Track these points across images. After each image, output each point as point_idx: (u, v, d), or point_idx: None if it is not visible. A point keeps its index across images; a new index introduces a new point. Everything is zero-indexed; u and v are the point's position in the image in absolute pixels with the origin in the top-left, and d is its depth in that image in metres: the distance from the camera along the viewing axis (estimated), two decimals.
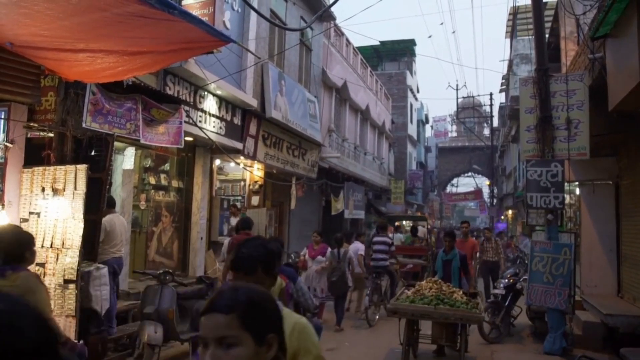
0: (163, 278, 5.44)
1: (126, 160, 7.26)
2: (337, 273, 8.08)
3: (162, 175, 8.58)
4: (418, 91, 33.34)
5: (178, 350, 5.95)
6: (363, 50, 23.85)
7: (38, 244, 5.11)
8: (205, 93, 8.43)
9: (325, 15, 13.13)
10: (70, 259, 4.62)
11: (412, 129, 30.38)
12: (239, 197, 10.94)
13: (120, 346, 5.84)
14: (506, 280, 7.96)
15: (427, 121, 39.17)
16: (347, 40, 17.47)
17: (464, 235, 9.73)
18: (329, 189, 15.41)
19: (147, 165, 8.32)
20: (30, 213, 5.25)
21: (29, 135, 5.56)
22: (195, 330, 5.27)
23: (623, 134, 7.07)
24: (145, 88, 6.44)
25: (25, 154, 5.46)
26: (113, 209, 6.13)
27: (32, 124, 5.41)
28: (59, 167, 5.15)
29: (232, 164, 10.06)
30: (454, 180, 47.51)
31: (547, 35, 9.63)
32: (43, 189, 5.18)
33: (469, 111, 39.86)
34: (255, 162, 10.45)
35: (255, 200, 10.90)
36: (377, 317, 8.57)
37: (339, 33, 16.62)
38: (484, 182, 42.56)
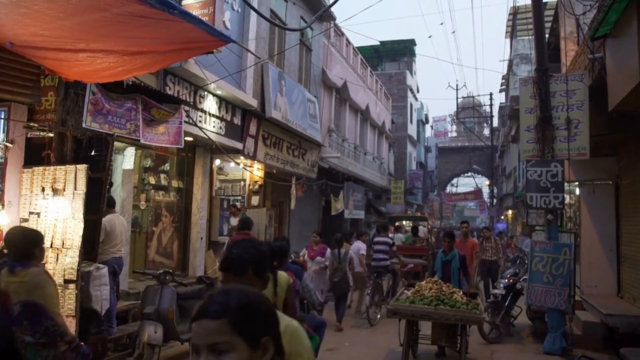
0: (163, 278, 5.44)
1: (126, 160, 7.26)
2: (339, 273, 8.14)
3: (162, 175, 8.58)
4: (418, 91, 33.34)
5: (178, 350, 5.95)
6: (363, 50, 23.86)
7: None
8: (205, 93, 8.43)
9: (325, 15, 13.13)
10: (70, 259, 4.62)
11: (412, 129, 30.38)
12: (239, 197, 10.94)
13: (120, 346, 5.84)
14: (506, 280, 7.96)
15: (427, 121, 39.18)
16: (347, 40, 17.47)
17: (464, 236, 9.72)
18: (328, 189, 15.41)
19: (147, 165, 8.32)
20: (30, 213, 5.25)
21: (29, 135, 5.56)
22: None
23: (623, 134, 7.08)
24: (145, 88, 6.44)
25: (25, 154, 5.46)
26: (113, 209, 6.13)
27: (32, 124, 5.41)
28: (59, 167, 5.15)
29: (232, 164, 10.06)
30: (454, 180, 47.54)
31: (547, 36, 9.64)
32: (43, 189, 5.18)
33: (469, 111, 39.86)
34: (255, 162, 10.45)
35: (255, 200, 10.90)
36: (379, 316, 8.58)
37: (339, 33, 16.62)
38: (483, 182, 42.59)
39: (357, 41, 21.91)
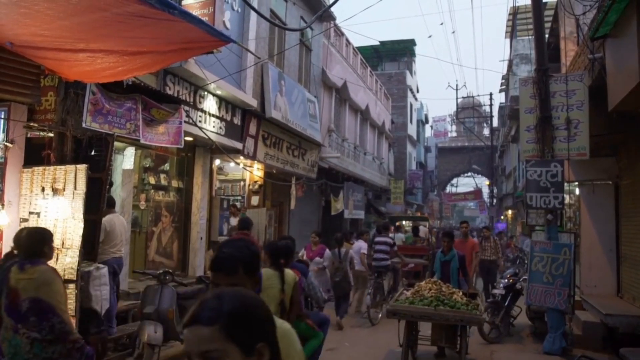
0: (163, 278, 5.44)
1: (126, 160, 7.26)
2: (340, 273, 8.23)
3: (162, 175, 8.58)
4: (418, 91, 33.34)
5: (178, 350, 5.95)
6: (363, 50, 23.86)
7: None
8: (205, 93, 8.43)
9: (325, 15, 13.13)
10: (70, 258, 4.62)
11: (411, 129, 30.38)
12: (239, 197, 10.94)
13: (120, 346, 5.84)
14: (506, 280, 7.96)
15: (426, 121, 39.19)
16: (347, 40, 17.47)
17: (464, 236, 9.71)
18: (328, 189, 15.41)
19: (147, 165, 8.32)
20: (30, 213, 5.26)
21: (28, 135, 5.56)
22: None
23: (623, 134, 7.08)
24: (145, 88, 6.44)
25: (25, 154, 5.46)
26: (113, 209, 6.13)
27: (32, 124, 5.41)
28: (58, 167, 5.15)
29: (232, 164, 10.06)
30: (454, 180, 47.55)
31: (547, 36, 9.64)
32: (43, 189, 5.18)
33: (468, 111, 39.86)
34: (255, 162, 10.45)
35: (255, 200, 10.90)
36: (380, 315, 8.61)
37: (339, 33, 16.62)
38: (483, 182, 42.60)
39: (357, 41, 21.93)
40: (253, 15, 9.60)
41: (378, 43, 28.23)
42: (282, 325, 1.65)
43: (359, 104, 18.19)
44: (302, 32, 12.49)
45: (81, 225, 4.76)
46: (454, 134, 50.48)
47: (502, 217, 31.43)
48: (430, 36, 23.39)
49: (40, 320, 2.98)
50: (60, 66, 4.51)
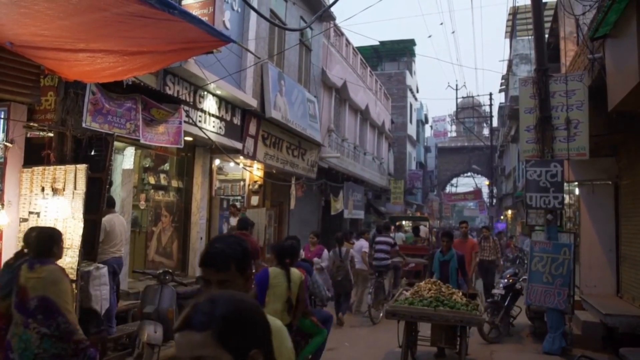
0: (163, 278, 5.44)
1: (126, 160, 7.26)
2: (341, 272, 8.34)
3: (162, 175, 8.59)
4: (418, 91, 33.34)
5: None
6: (363, 50, 23.86)
7: None
8: (205, 93, 8.43)
9: (325, 15, 13.13)
10: (70, 258, 4.62)
11: (411, 129, 30.38)
12: (239, 197, 10.94)
13: (120, 346, 5.84)
14: (505, 280, 7.96)
15: (426, 121, 39.18)
16: (347, 40, 17.47)
17: (463, 236, 9.70)
18: (328, 189, 15.41)
19: (147, 165, 8.32)
20: (30, 213, 5.25)
21: (28, 135, 5.56)
22: None
23: (622, 134, 7.08)
24: (145, 88, 6.44)
25: (25, 154, 5.46)
26: (113, 209, 6.13)
27: (31, 124, 5.41)
28: (58, 166, 5.15)
29: (232, 164, 10.06)
30: (454, 180, 47.54)
31: (546, 36, 9.64)
32: (43, 189, 5.18)
33: (468, 111, 39.86)
34: (255, 162, 10.46)
35: (254, 200, 10.90)
36: (381, 314, 8.63)
37: (339, 33, 16.62)
38: (483, 182, 42.59)
39: (357, 41, 21.89)
40: (253, 15, 9.60)
41: (378, 43, 28.23)
42: (274, 322, 1.64)
43: (359, 104, 18.20)
44: (302, 32, 12.49)
45: (81, 225, 4.76)
46: (454, 134, 50.48)
47: (501, 217, 31.44)
48: (430, 36, 23.40)
49: (47, 319, 3.06)
50: (60, 66, 4.51)
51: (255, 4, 9.08)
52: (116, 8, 3.14)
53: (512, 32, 22.16)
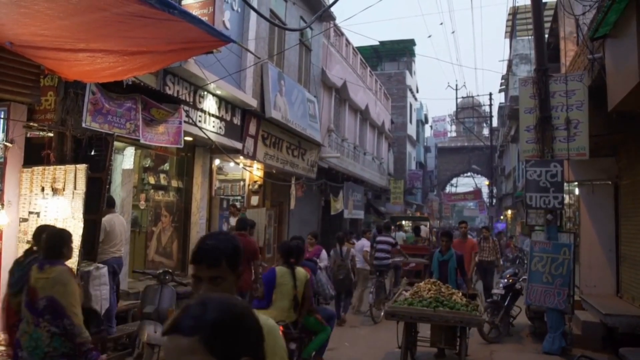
0: (163, 278, 5.44)
1: (126, 160, 7.26)
2: (342, 271, 8.45)
3: (162, 175, 8.59)
4: (417, 91, 33.35)
5: None
6: (362, 50, 23.85)
7: None
8: (205, 93, 8.43)
9: (325, 15, 13.13)
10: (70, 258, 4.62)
11: (411, 129, 30.39)
12: (239, 197, 10.94)
13: (119, 346, 5.84)
14: (505, 280, 7.96)
15: (426, 121, 39.18)
16: (347, 40, 17.47)
17: (463, 236, 9.68)
18: (328, 189, 15.41)
19: (147, 165, 8.32)
20: (30, 213, 5.26)
21: (28, 135, 5.56)
22: None
23: (622, 134, 7.08)
24: (145, 88, 6.44)
25: (24, 154, 5.46)
26: (113, 209, 6.13)
27: (31, 124, 5.42)
28: (58, 166, 5.15)
29: (232, 164, 10.06)
30: (454, 180, 47.55)
31: (546, 36, 9.65)
32: (43, 189, 5.18)
33: (468, 111, 39.88)
34: (255, 162, 10.45)
35: (254, 200, 10.90)
36: (382, 314, 8.67)
37: (339, 33, 16.62)
38: (483, 182, 42.60)
39: (357, 41, 21.87)
40: (253, 15, 9.59)
41: (378, 43, 28.23)
42: (267, 322, 1.64)
43: (359, 104, 18.20)
44: (302, 32, 12.49)
45: (81, 225, 4.76)
46: (454, 134, 50.49)
47: (501, 217, 31.44)
48: (430, 36, 23.40)
49: (55, 319, 3.13)
50: (60, 66, 4.52)
51: (255, 4, 9.08)
52: (116, 8, 3.14)
53: (512, 32, 22.16)
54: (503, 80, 26.87)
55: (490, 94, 31.99)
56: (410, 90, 29.84)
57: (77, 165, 5.06)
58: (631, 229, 7.26)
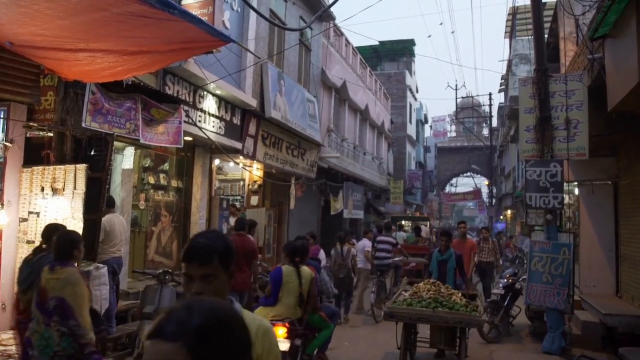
0: (162, 278, 5.44)
1: (125, 159, 7.26)
2: (343, 270, 8.57)
3: (162, 175, 8.59)
4: (417, 91, 33.35)
5: None
6: (362, 50, 23.86)
7: (37, 243, 5.13)
8: (205, 93, 8.43)
9: (325, 15, 13.13)
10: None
11: (411, 129, 30.39)
12: (238, 197, 10.94)
13: (119, 346, 5.84)
14: (505, 279, 7.97)
15: (426, 121, 39.19)
16: (347, 40, 17.47)
17: (462, 236, 9.64)
18: (328, 189, 15.41)
19: (147, 165, 8.32)
20: (30, 212, 5.26)
21: (28, 135, 5.56)
22: None
23: (622, 134, 7.09)
24: (145, 88, 6.44)
25: (24, 154, 5.46)
26: (112, 209, 6.13)
27: (31, 124, 5.41)
28: (58, 166, 5.15)
29: (232, 164, 10.06)
30: (453, 180, 47.56)
31: (546, 36, 9.65)
32: (42, 189, 5.18)
33: (468, 111, 39.91)
34: (255, 161, 10.45)
35: (254, 200, 10.90)
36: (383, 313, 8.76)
37: (338, 33, 16.62)
38: (482, 182, 42.61)
39: (357, 41, 21.91)
40: (252, 15, 9.59)
41: (377, 43, 28.23)
42: (263, 322, 1.64)
43: (359, 104, 18.20)
44: (302, 32, 12.49)
45: (81, 225, 4.76)
46: (453, 134, 50.51)
47: (501, 217, 31.45)
48: (429, 36, 23.42)
49: (62, 320, 3.20)
50: (60, 66, 4.52)
51: (254, 4, 9.08)
52: (116, 8, 3.14)
53: (511, 32, 22.17)
54: (503, 80, 26.87)
55: (490, 94, 32.04)
56: (410, 90, 29.85)
57: (77, 165, 5.06)
58: (630, 228, 7.27)
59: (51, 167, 5.19)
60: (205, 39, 3.95)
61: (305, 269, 4.79)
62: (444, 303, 5.39)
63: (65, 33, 3.65)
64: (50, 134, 5.45)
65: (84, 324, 3.22)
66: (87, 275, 4.94)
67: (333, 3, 7.63)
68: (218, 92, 8.66)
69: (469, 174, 44.06)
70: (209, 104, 8.60)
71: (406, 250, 11.91)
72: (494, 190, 32.98)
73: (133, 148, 7.26)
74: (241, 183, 11.01)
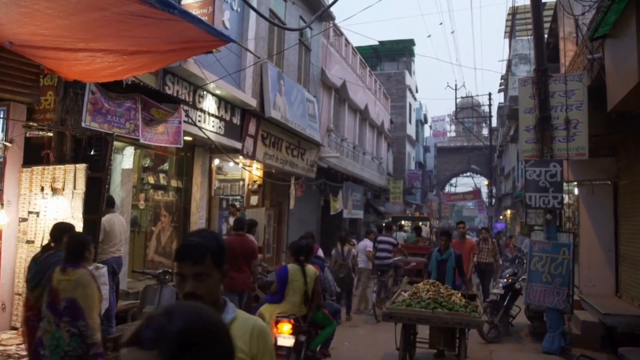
0: (162, 277, 5.44)
1: (125, 159, 7.26)
2: (343, 270, 8.68)
3: (161, 175, 8.58)
4: (417, 91, 33.36)
5: None
6: (362, 50, 23.86)
7: (37, 243, 5.13)
8: (205, 93, 8.43)
9: (325, 15, 13.13)
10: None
11: (410, 129, 30.40)
12: (238, 197, 10.94)
13: (119, 346, 5.83)
14: (505, 279, 7.97)
15: (425, 121, 39.21)
16: (346, 40, 17.47)
17: (461, 237, 9.61)
18: (327, 189, 15.41)
19: (146, 165, 8.31)
20: (30, 212, 5.25)
21: (28, 135, 5.56)
22: None
23: (622, 134, 7.09)
24: (145, 87, 6.44)
25: (24, 153, 5.46)
26: (112, 209, 6.13)
27: (31, 124, 5.41)
28: (58, 166, 5.15)
29: (231, 164, 10.06)
30: (453, 180, 47.57)
31: (546, 36, 9.65)
32: (42, 189, 5.18)
33: (467, 111, 39.89)
34: (254, 161, 10.45)
35: (254, 199, 10.90)
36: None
37: (338, 33, 16.62)
38: (482, 182, 42.62)
39: (356, 41, 21.91)
40: (252, 14, 9.59)
41: (377, 43, 28.24)
42: (257, 322, 1.64)
43: (358, 104, 18.20)
44: (302, 32, 12.49)
45: (80, 224, 4.76)
46: (453, 134, 50.52)
47: (500, 217, 31.46)
48: (429, 36, 23.42)
49: (73, 321, 3.26)
50: (59, 65, 4.51)
51: (254, 4, 9.08)
52: (116, 7, 3.14)
53: (511, 32, 22.17)
54: (502, 80, 26.88)
55: (490, 94, 32.02)
56: (410, 90, 29.86)
57: (77, 165, 5.06)
58: (630, 228, 7.27)
59: (51, 167, 5.18)
60: (205, 39, 3.95)
61: (310, 268, 4.94)
62: (443, 304, 5.35)
63: (65, 33, 3.65)
64: (50, 134, 5.44)
65: (92, 325, 3.28)
66: None
67: (333, 3, 7.62)
68: (218, 92, 8.66)
69: (468, 174, 44.08)
70: (209, 103, 8.60)
71: (407, 250, 11.97)
72: (494, 190, 32.99)
73: (133, 148, 7.25)
74: (241, 183, 11.01)
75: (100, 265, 5.22)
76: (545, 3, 11.77)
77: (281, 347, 4.59)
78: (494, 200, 32.36)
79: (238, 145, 9.50)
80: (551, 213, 7.06)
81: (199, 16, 6.01)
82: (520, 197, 12.93)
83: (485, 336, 7.18)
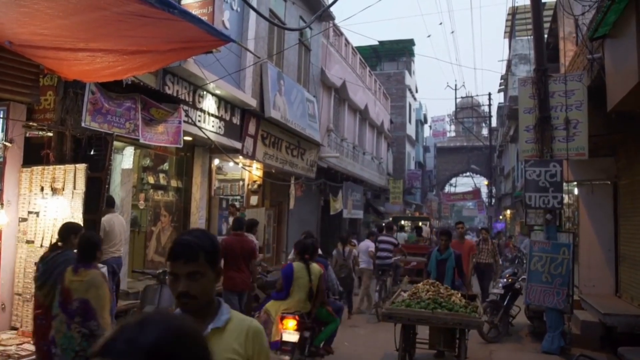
0: (162, 277, 5.44)
1: (125, 159, 7.26)
2: (344, 270, 8.81)
3: (161, 175, 8.58)
4: (417, 91, 33.36)
5: None
6: (362, 50, 23.86)
7: (37, 243, 5.13)
8: (205, 93, 8.42)
9: (325, 15, 13.12)
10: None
11: (410, 129, 30.40)
12: (238, 197, 10.94)
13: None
14: (505, 279, 7.97)
15: (425, 121, 39.21)
16: (346, 40, 17.47)
17: (460, 237, 9.53)
18: (327, 189, 15.41)
19: (146, 165, 8.31)
20: (30, 212, 5.25)
21: (28, 135, 5.55)
22: None
23: (621, 134, 7.09)
24: (145, 87, 6.43)
25: (24, 153, 5.46)
26: (112, 209, 6.13)
27: (31, 123, 5.41)
28: (58, 166, 5.15)
29: (231, 164, 10.05)
30: (453, 180, 47.57)
31: (546, 36, 9.65)
32: (42, 188, 5.18)
33: (467, 111, 39.87)
34: (254, 161, 10.45)
35: (254, 199, 10.90)
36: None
37: (338, 33, 16.62)
38: (482, 182, 42.61)
39: (356, 41, 21.92)
40: (252, 14, 9.59)
41: (377, 43, 28.23)
42: (252, 323, 1.64)
43: (358, 104, 18.20)
44: (301, 32, 12.49)
45: (80, 224, 4.74)
46: (453, 134, 50.51)
47: (500, 217, 31.46)
48: (429, 36, 23.43)
49: (84, 321, 3.30)
50: (59, 65, 4.51)
51: (254, 4, 9.08)
52: (116, 7, 3.14)
53: (511, 32, 22.18)
54: (502, 80, 26.88)
55: (490, 94, 32.02)
56: (410, 90, 29.86)
57: (77, 165, 5.06)
58: (630, 228, 7.27)
59: (51, 167, 5.18)
60: (205, 39, 3.95)
61: (315, 266, 5.10)
62: (443, 304, 5.32)
63: (65, 32, 3.64)
64: (50, 134, 5.44)
65: (104, 325, 3.32)
66: None
67: (333, 3, 7.62)
68: (218, 91, 8.66)
69: (468, 174, 44.09)
70: (209, 103, 8.60)
71: (407, 249, 12.06)
72: (494, 190, 32.99)
73: (133, 148, 7.25)
74: (241, 183, 11.01)
75: (100, 265, 5.22)
76: (545, 3, 11.77)
77: (286, 343, 4.79)
78: (493, 200, 32.36)
79: (238, 145, 9.50)
80: (551, 213, 7.07)
81: (199, 16, 6.01)
82: (520, 197, 12.93)
83: (485, 336, 7.18)
